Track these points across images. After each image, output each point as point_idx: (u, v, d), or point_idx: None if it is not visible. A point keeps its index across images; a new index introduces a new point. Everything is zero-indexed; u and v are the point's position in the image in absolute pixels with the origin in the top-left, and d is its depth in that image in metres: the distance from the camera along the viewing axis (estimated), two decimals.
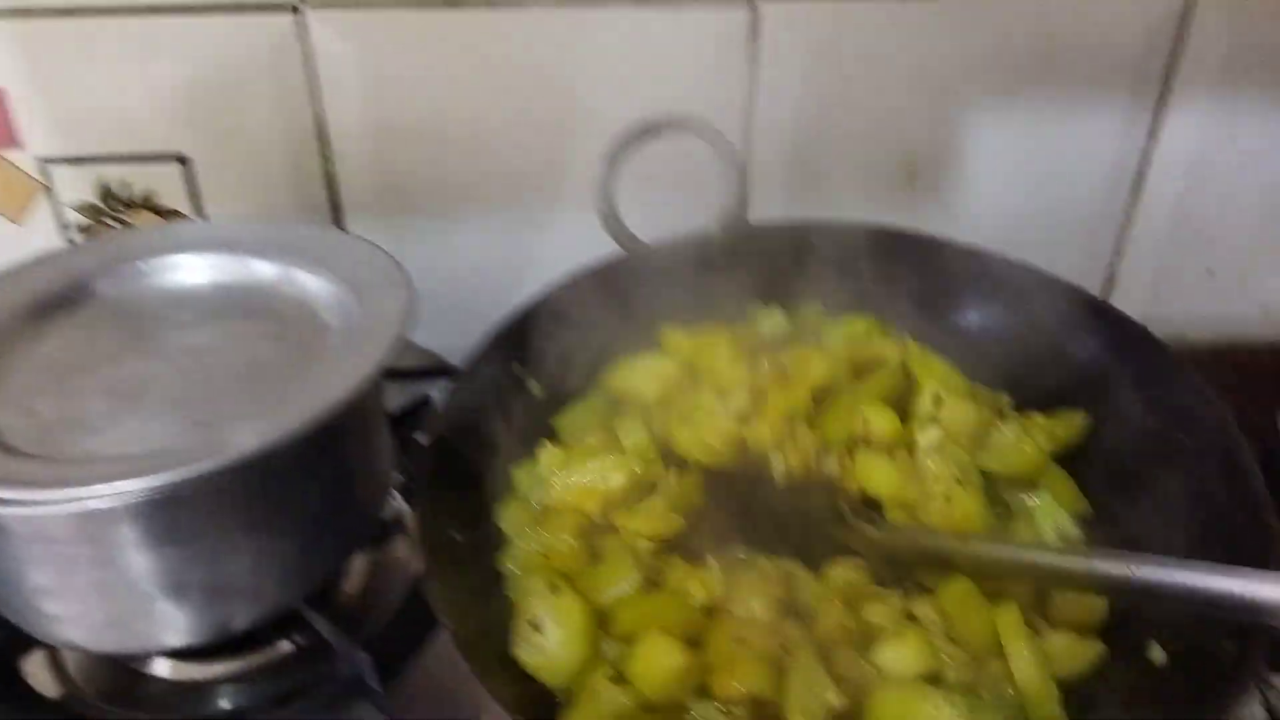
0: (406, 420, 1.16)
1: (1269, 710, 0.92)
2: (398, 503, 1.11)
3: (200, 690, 0.97)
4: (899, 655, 0.81)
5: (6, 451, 0.79)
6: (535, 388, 1.00)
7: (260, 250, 1.00)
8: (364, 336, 0.88)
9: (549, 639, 0.80)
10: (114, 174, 1.18)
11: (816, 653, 0.80)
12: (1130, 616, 0.86)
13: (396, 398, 1.19)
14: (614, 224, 0.99)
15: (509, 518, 0.93)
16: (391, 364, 0.88)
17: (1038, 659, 0.82)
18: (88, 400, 0.86)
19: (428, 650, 0.98)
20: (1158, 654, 0.81)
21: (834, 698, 0.77)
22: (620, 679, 0.78)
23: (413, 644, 0.98)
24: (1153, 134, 1.19)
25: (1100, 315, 0.99)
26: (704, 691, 0.81)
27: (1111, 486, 0.94)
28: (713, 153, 1.03)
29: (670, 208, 1.09)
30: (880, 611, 0.84)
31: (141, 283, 0.99)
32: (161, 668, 0.98)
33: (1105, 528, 0.93)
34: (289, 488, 0.85)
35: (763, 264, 1.05)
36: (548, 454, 0.95)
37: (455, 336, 0.98)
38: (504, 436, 0.96)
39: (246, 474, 0.78)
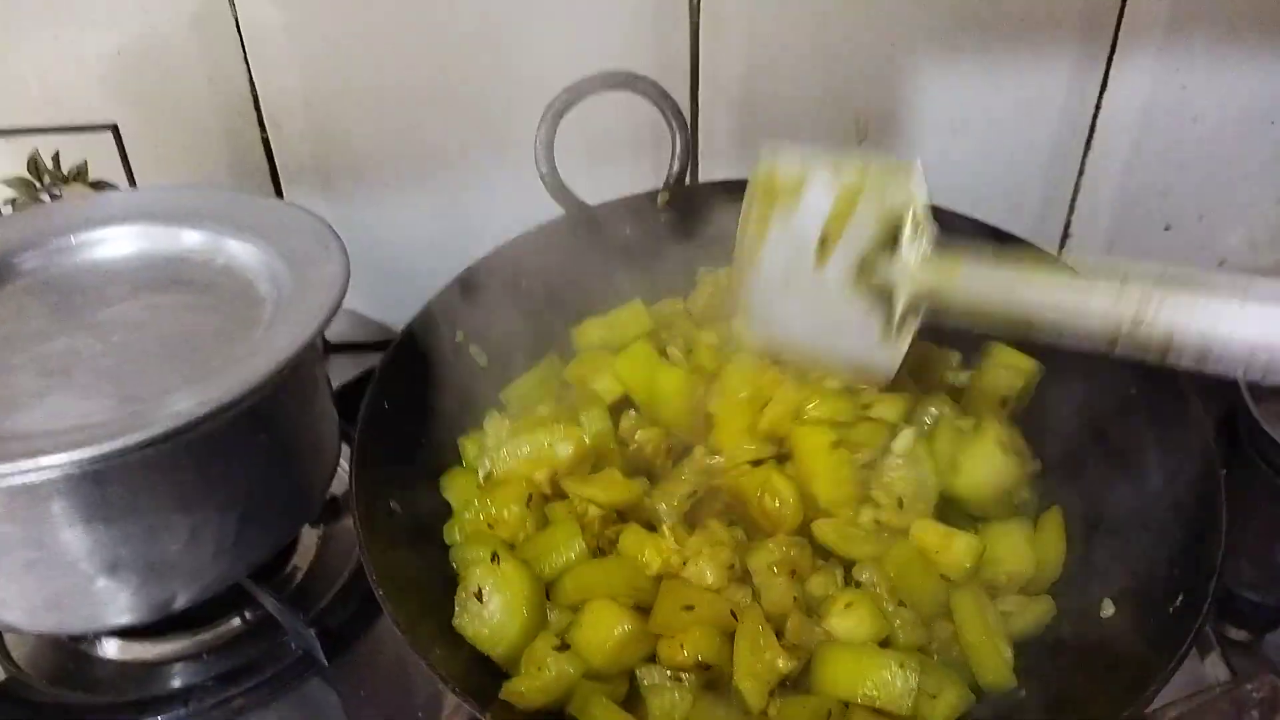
0: (355, 394, 1.14)
1: (1229, 665, 0.92)
2: (348, 476, 1.09)
3: (150, 670, 0.96)
4: (849, 620, 0.81)
5: None
6: (479, 356, 0.99)
7: (189, 219, 0.98)
8: (298, 305, 0.87)
9: (491, 608, 0.79)
10: (46, 146, 1.15)
11: (765, 618, 0.80)
12: (1084, 573, 0.86)
13: (346, 372, 1.17)
14: (555, 185, 0.97)
15: (454, 488, 0.91)
16: (335, 336, 0.87)
17: (986, 622, 0.81)
18: (15, 377, 0.84)
19: (379, 625, 0.97)
20: (1108, 609, 0.81)
21: (784, 663, 0.77)
22: (566, 647, 0.77)
23: (363, 619, 0.97)
24: (1104, 85, 1.17)
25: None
26: (653, 658, 0.80)
27: (1063, 441, 0.93)
28: (657, 111, 1.00)
29: (616, 169, 1.07)
30: (823, 582, 0.83)
31: (68, 257, 0.97)
32: (109, 648, 0.97)
33: (1057, 480, 0.92)
34: (223, 462, 0.84)
35: (711, 224, 1.03)
36: (495, 424, 0.94)
37: (403, 307, 0.96)
38: (447, 406, 0.95)
39: (176, 448, 0.77)
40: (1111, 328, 0.68)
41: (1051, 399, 0.95)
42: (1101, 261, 0.77)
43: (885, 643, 0.81)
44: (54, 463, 0.72)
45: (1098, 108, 1.19)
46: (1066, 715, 0.74)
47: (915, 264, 0.76)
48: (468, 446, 0.95)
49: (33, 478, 0.74)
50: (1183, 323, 0.65)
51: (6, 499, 0.76)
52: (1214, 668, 0.92)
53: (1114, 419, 0.89)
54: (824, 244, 0.77)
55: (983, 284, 0.74)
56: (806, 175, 0.77)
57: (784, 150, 0.82)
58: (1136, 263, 0.69)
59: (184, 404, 0.76)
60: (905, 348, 0.78)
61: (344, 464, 1.03)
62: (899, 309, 0.77)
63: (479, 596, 0.79)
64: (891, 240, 0.76)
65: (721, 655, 0.78)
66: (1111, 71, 1.16)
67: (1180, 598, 0.75)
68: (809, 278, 0.78)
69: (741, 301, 0.86)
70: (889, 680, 0.76)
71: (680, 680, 0.78)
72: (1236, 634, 0.96)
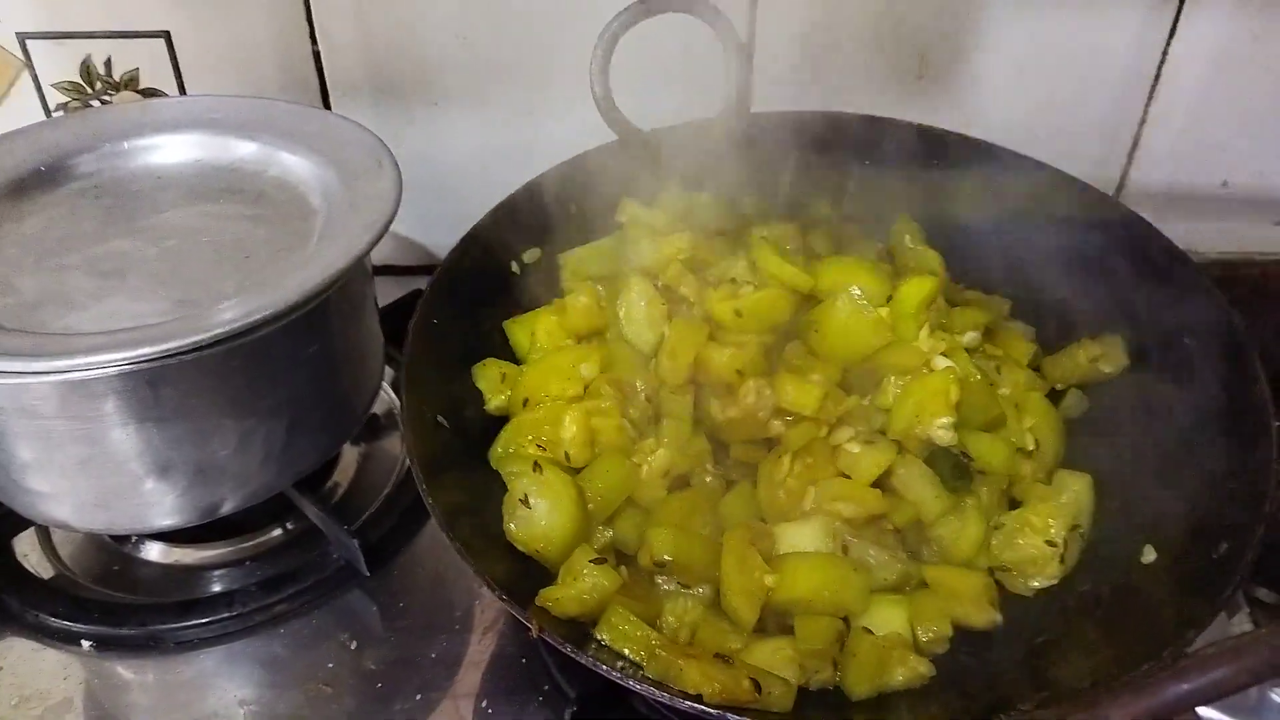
0: (397, 317, 1.14)
1: (1256, 626, 0.92)
2: (390, 397, 1.10)
3: (191, 574, 0.97)
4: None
5: None
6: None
7: (242, 129, 0.98)
8: (350, 219, 0.86)
9: (538, 511, 0.81)
10: (98, 52, 1.14)
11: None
12: (1124, 522, 0.85)
13: (388, 294, 1.17)
14: (609, 108, 0.96)
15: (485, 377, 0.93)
16: (377, 259, 0.87)
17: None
18: (70, 278, 0.85)
19: (419, 541, 0.98)
20: (1149, 555, 0.81)
21: (770, 579, 0.78)
22: (603, 561, 0.79)
23: (403, 534, 0.98)
24: (1174, 30, 1.14)
25: (1109, 212, 0.97)
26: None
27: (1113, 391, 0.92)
28: (715, 37, 0.98)
29: (671, 96, 1.05)
30: None
31: (122, 161, 0.97)
32: (153, 551, 0.99)
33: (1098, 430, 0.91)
34: (273, 370, 0.84)
35: (765, 154, 1.01)
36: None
37: (447, 230, 0.95)
38: (494, 331, 0.95)
39: (229, 353, 0.78)
40: None
41: None
42: None
43: None
44: (110, 360, 0.73)
45: (1165, 53, 1.16)
46: (1105, 656, 0.74)
47: None
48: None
49: (88, 374, 0.74)
50: None
51: (62, 395, 0.77)
52: (1240, 627, 0.92)
53: (1164, 367, 0.89)
54: None
55: None
56: None
57: None
58: None
59: (237, 310, 0.77)
60: None
61: (386, 386, 1.03)
62: None
63: (525, 502, 0.81)
64: None
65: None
66: (1182, 16, 1.13)
67: (1224, 544, 0.74)
68: None
69: None
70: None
71: (690, 590, 0.80)
72: (1265, 595, 0.95)
